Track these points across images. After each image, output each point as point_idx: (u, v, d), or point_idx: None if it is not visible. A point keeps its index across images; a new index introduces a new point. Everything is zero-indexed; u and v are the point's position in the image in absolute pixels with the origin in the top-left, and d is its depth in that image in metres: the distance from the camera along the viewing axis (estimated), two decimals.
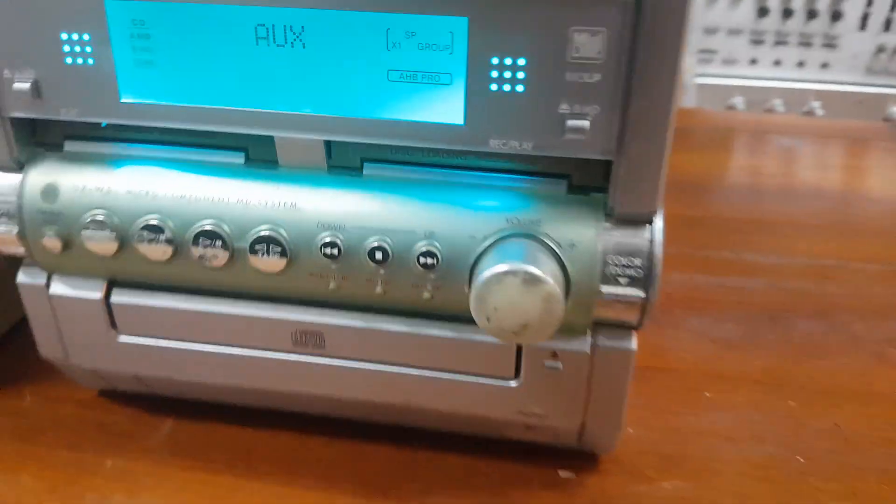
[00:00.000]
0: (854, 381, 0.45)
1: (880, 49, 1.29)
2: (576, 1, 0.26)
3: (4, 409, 0.42)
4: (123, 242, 0.33)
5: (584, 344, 0.33)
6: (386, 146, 0.31)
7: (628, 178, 0.29)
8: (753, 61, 1.32)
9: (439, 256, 0.31)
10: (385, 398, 0.36)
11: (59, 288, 0.36)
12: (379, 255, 0.31)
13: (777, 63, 1.31)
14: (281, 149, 0.32)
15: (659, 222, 0.30)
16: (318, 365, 0.35)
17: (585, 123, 0.28)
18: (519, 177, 0.32)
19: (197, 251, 0.33)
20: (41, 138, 0.35)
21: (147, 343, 0.37)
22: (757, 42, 1.31)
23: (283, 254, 0.32)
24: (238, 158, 0.33)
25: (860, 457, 0.39)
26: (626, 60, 0.27)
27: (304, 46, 0.28)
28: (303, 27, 0.28)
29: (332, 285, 0.32)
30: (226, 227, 0.32)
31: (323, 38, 0.28)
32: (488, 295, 0.28)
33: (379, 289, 0.32)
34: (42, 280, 0.36)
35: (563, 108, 0.28)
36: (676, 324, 0.50)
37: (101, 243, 0.33)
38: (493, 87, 0.28)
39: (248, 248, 0.32)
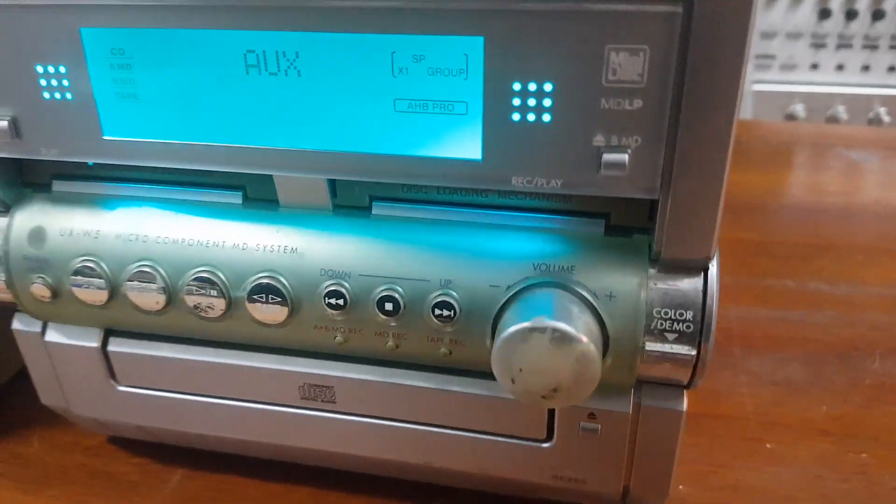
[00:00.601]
0: None
1: None
2: (610, 14, 0.22)
3: (10, 455, 0.40)
4: (114, 291, 0.30)
5: (625, 404, 0.29)
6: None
7: (677, 221, 0.25)
8: (814, 66, 1.26)
9: (457, 308, 0.27)
10: (402, 457, 0.33)
11: (54, 335, 0.34)
12: (389, 306, 0.28)
13: (840, 68, 1.26)
14: (281, 187, 0.29)
15: (714, 269, 0.26)
16: (328, 420, 0.32)
17: (624, 158, 0.24)
18: (548, 216, 0.28)
19: (191, 300, 0.30)
20: (28, 178, 0.32)
21: (147, 394, 0.34)
22: (818, 46, 1.25)
23: (283, 303, 0.29)
24: (235, 198, 0.30)
25: None
26: (674, 83, 0.23)
27: (299, 74, 0.25)
28: (297, 53, 0.25)
29: (338, 338, 0.29)
30: (221, 275, 0.29)
31: (319, 64, 0.25)
32: (512, 354, 0.25)
33: (391, 343, 0.29)
34: (37, 328, 0.34)
35: (598, 140, 0.24)
36: (733, 364, 0.45)
37: (91, 292, 0.30)
38: (516, 116, 0.24)
39: (246, 297, 0.29)
